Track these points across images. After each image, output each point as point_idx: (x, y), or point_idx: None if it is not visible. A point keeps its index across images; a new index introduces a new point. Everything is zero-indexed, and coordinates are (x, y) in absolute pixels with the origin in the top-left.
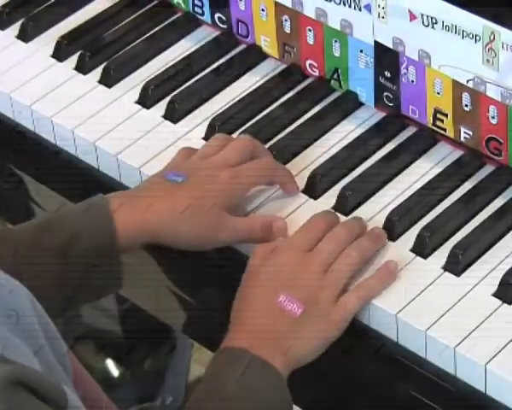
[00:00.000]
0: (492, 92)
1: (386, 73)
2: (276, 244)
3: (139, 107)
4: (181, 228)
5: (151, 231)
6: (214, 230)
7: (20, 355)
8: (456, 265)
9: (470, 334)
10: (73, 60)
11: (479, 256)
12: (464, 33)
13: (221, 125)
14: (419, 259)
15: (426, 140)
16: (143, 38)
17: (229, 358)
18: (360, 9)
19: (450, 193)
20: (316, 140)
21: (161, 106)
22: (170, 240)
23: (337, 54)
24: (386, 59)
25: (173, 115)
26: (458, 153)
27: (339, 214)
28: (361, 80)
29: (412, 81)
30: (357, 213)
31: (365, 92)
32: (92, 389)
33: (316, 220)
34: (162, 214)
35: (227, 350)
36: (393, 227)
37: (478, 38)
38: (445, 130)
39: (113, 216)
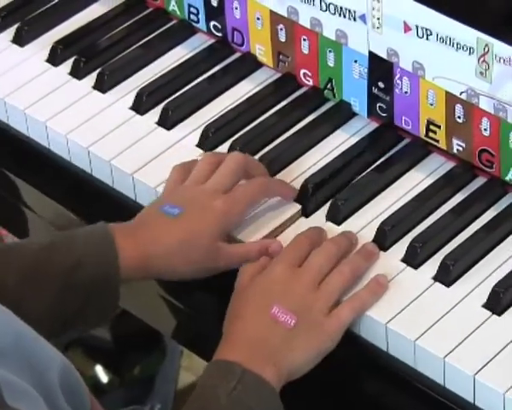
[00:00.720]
0: (485, 104)
1: (379, 83)
2: (261, 263)
3: (133, 113)
4: (177, 264)
5: (149, 267)
6: (211, 261)
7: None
8: (447, 275)
9: (460, 344)
10: (68, 65)
11: (469, 267)
12: (458, 45)
13: (214, 132)
14: (410, 269)
15: (418, 151)
16: (138, 44)
17: (222, 371)
18: (355, 20)
19: (441, 204)
20: (309, 149)
21: (155, 112)
22: (167, 274)
23: (331, 64)
24: (381, 70)
25: (167, 122)
26: (450, 164)
27: (331, 224)
28: (355, 90)
29: (406, 92)
30: (348, 222)
31: (359, 102)
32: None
33: (300, 237)
34: (159, 252)
35: (219, 363)
36: (385, 237)
37: (472, 50)
38: (437, 141)
39: (116, 249)
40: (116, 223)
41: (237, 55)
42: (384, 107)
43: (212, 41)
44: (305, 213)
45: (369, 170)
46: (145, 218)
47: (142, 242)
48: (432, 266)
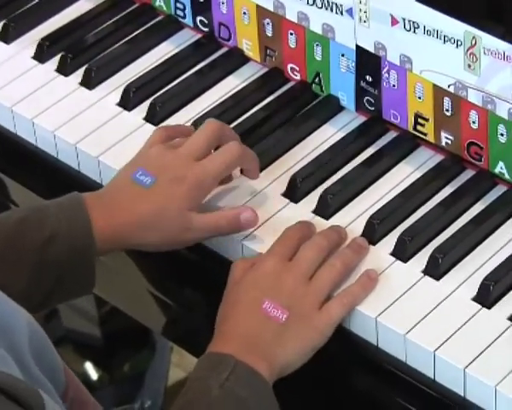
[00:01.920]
0: (473, 97)
1: (367, 77)
2: (255, 260)
3: (120, 109)
4: (150, 235)
5: (122, 238)
6: (183, 231)
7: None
8: (436, 269)
9: (450, 338)
10: (55, 61)
11: (459, 260)
12: (446, 38)
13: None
14: (399, 263)
15: (406, 144)
16: (125, 40)
17: (214, 363)
18: (342, 14)
19: (430, 197)
20: (297, 144)
21: (143, 108)
22: (139, 244)
23: (319, 58)
24: (368, 63)
25: (154, 117)
26: (439, 157)
27: (319, 218)
28: (342, 84)
29: (393, 86)
30: (337, 216)
31: (346, 96)
32: (81, 391)
33: (290, 231)
34: (131, 223)
35: (212, 355)
36: (374, 231)
37: (459, 42)
38: (425, 134)
39: (90, 220)
40: (88, 193)
41: (224, 49)
42: (372, 100)
43: (198, 36)
44: (294, 207)
45: (357, 164)
46: (117, 186)
47: (114, 213)
48: (421, 259)
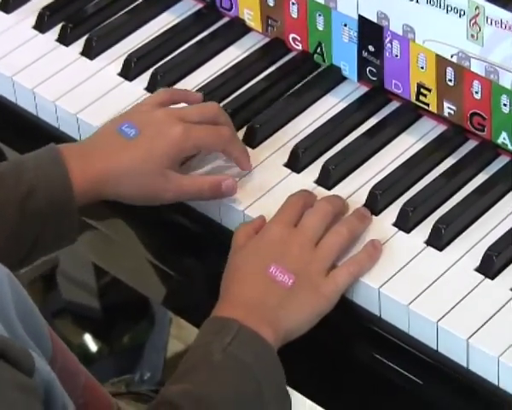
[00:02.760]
0: (476, 67)
1: (369, 47)
2: (257, 223)
3: (121, 79)
4: (127, 186)
5: (100, 187)
6: (159, 188)
7: None
8: (439, 239)
9: (453, 309)
10: (55, 31)
11: (461, 231)
12: (449, 8)
13: (204, 97)
14: (402, 233)
15: (409, 115)
16: (126, 10)
17: (217, 327)
18: None
19: (433, 168)
20: (299, 114)
21: (144, 78)
22: (117, 196)
23: (321, 28)
24: (370, 33)
25: (156, 88)
26: (441, 128)
27: (321, 189)
28: (344, 54)
29: (396, 56)
30: (339, 187)
31: (348, 66)
32: (70, 360)
33: (293, 198)
34: (110, 172)
35: (215, 319)
36: (376, 201)
37: (462, 12)
38: (428, 105)
39: (68, 171)
40: (66, 144)
41: (225, 19)
42: (374, 70)
43: (200, 6)
44: (296, 177)
45: (359, 134)
46: (99, 136)
47: (93, 162)
48: (424, 230)
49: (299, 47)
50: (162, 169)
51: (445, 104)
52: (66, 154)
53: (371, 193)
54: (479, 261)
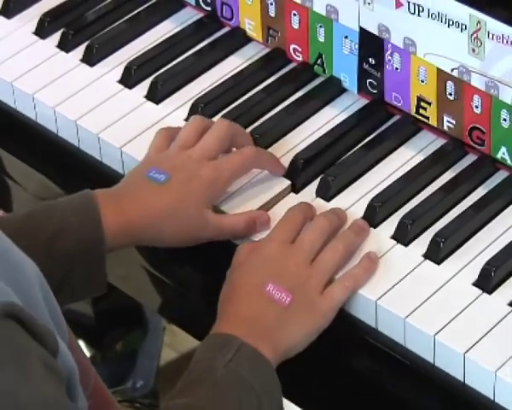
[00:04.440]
0: (477, 82)
1: (370, 59)
2: (258, 243)
3: (121, 86)
4: (165, 230)
5: (135, 233)
6: (197, 230)
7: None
8: (437, 253)
9: (450, 322)
10: (56, 37)
11: (460, 245)
12: (450, 22)
13: (204, 106)
14: (400, 246)
15: (409, 128)
16: (127, 17)
17: (219, 344)
18: None
19: (432, 181)
20: (298, 125)
21: (144, 86)
22: (154, 241)
23: (321, 39)
24: (371, 45)
25: (156, 96)
26: (441, 141)
27: (320, 200)
28: (345, 66)
29: (396, 68)
30: (338, 198)
31: (349, 78)
32: (82, 358)
33: (293, 212)
34: (146, 217)
35: (217, 335)
36: (375, 214)
37: (464, 26)
38: (428, 118)
39: (100, 215)
40: (100, 189)
41: (226, 29)
42: (374, 83)
43: (200, 15)
44: (295, 189)
45: (359, 146)
46: (130, 183)
47: (127, 208)
48: (422, 243)
49: (300, 58)
50: (200, 210)
51: (445, 118)
52: (100, 197)
53: (370, 205)
54: (477, 276)
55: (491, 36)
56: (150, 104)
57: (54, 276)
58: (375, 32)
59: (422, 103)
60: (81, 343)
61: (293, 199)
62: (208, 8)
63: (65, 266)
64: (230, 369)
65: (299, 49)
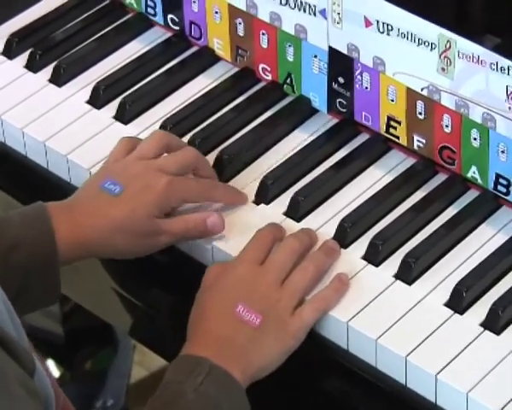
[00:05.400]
0: (447, 101)
1: (339, 79)
2: (227, 264)
3: (90, 107)
4: (118, 240)
5: (88, 244)
6: (150, 237)
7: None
8: (408, 273)
9: (422, 343)
10: (24, 58)
11: (431, 265)
12: (420, 41)
13: (172, 127)
14: (371, 267)
15: (379, 147)
16: (95, 37)
17: (189, 366)
18: (315, 14)
19: (402, 201)
20: (268, 145)
21: (112, 106)
22: (109, 253)
23: (291, 58)
24: (341, 65)
25: (124, 116)
26: (411, 161)
27: (290, 221)
28: (314, 86)
29: (366, 88)
30: (308, 219)
31: (318, 98)
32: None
33: (262, 233)
34: (99, 228)
35: (187, 357)
36: (345, 234)
37: (433, 45)
38: (398, 137)
39: (53, 228)
40: (53, 202)
41: (195, 48)
42: (344, 102)
43: (169, 34)
44: (264, 209)
45: (329, 166)
46: (84, 195)
47: (80, 220)
48: (393, 263)
49: (269, 77)
50: (150, 219)
51: (415, 137)
52: (53, 210)
53: (340, 226)
54: (448, 296)
55: (461, 55)
56: (119, 125)
57: (10, 287)
58: (344, 51)
59: (392, 122)
60: (50, 362)
61: (262, 221)
62: (176, 28)
63: (20, 278)
64: (201, 393)
65: (269, 69)
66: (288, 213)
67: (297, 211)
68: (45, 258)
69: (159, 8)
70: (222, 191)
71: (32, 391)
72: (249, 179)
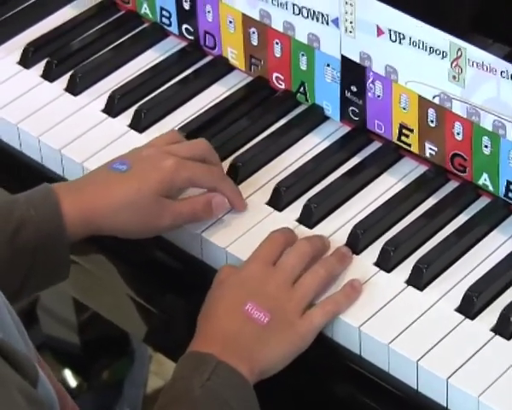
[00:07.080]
0: (458, 109)
1: (352, 87)
2: (240, 265)
3: (105, 115)
4: (123, 218)
5: (94, 222)
6: (155, 217)
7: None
8: (420, 279)
9: (433, 348)
10: (40, 67)
11: (442, 271)
12: (431, 49)
13: (186, 135)
14: (382, 273)
15: (390, 155)
16: (110, 47)
17: (195, 362)
18: (328, 23)
19: (414, 208)
20: (281, 153)
21: (127, 115)
22: (113, 230)
23: (304, 67)
24: (353, 73)
25: (139, 125)
26: (423, 168)
27: (303, 227)
28: (327, 94)
29: (378, 96)
30: (321, 226)
31: (331, 106)
32: (58, 387)
33: (275, 235)
34: (104, 205)
35: (193, 354)
36: (357, 241)
37: (445, 54)
38: (409, 145)
39: (59, 205)
40: (59, 183)
41: (209, 58)
42: (356, 111)
43: (184, 44)
44: (278, 216)
45: (341, 173)
46: (91, 175)
47: (87, 198)
48: (404, 269)
49: (283, 86)
50: (156, 197)
51: (427, 145)
52: (58, 190)
53: (353, 232)
54: (459, 301)
55: (471, 63)
56: (134, 133)
57: (18, 268)
58: (356, 59)
59: (404, 130)
60: (67, 372)
61: (276, 221)
62: (191, 38)
63: (28, 258)
64: (208, 388)
65: (282, 78)
66: (300, 220)
67: (310, 218)
68: (53, 234)
69: (173, 19)
70: (228, 185)
71: (33, 400)
72: (262, 186)
